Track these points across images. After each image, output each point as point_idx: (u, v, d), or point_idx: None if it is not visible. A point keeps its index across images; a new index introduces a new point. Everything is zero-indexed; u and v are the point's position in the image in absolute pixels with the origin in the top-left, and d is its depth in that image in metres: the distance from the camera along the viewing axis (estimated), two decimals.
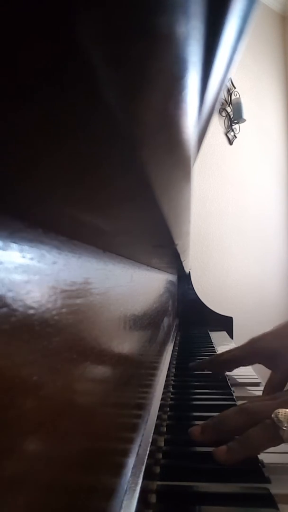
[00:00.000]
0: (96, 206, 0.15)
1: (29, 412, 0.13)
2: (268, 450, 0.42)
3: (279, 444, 0.40)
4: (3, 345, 0.12)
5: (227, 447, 0.40)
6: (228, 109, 2.17)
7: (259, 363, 0.67)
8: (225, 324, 1.44)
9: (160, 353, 0.64)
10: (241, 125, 2.23)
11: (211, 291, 2.03)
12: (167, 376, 0.65)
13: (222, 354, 0.71)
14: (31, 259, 0.14)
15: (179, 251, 0.43)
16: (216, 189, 2.15)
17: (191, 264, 1.48)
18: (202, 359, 0.92)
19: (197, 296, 1.49)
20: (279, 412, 0.39)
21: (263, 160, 2.43)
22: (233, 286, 2.20)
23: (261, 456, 0.42)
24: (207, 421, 0.45)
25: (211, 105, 0.12)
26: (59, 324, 0.16)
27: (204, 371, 0.74)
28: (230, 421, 0.43)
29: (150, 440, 0.36)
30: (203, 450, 0.44)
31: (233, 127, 2.21)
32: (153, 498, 0.36)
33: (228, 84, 2.12)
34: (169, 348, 0.86)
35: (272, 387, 0.62)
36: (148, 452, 0.34)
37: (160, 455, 0.44)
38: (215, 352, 1.00)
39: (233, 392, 0.66)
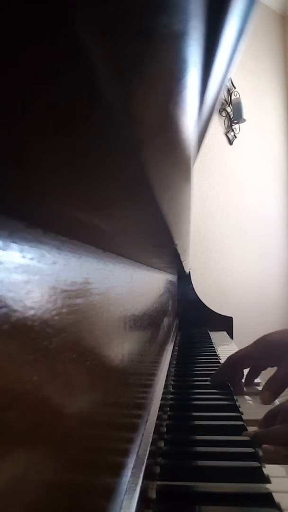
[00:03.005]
0: (96, 206, 0.15)
1: (29, 411, 0.13)
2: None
3: None
4: (3, 345, 0.12)
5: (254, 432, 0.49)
6: (228, 109, 2.17)
7: (269, 363, 0.67)
8: (225, 324, 1.44)
9: (160, 353, 0.64)
10: (241, 125, 2.23)
11: (211, 291, 2.03)
12: (167, 376, 0.65)
13: (236, 352, 0.71)
14: (31, 259, 0.14)
15: (179, 251, 0.43)
16: (216, 189, 2.15)
17: (191, 264, 1.48)
18: (202, 359, 0.93)
19: (197, 296, 1.49)
20: None
21: (263, 160, 2.43)
22: (233, 286, 2.20)
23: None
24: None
25: (211, 105, 0.12)
26: (59, 324, 0.16)
27: (224, 379, 0.71)
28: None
29: (150, 440, 0.36)
30: (202, 450, 0.45)
31: (233, 127, 2.21)
32: (153, 498, 0.36)
33: (228, 84, 2.12)
34: (169, 348, 0.85)
35: (274, 384, 0.62)
36: (148, 452, 0.34)
37: (160, 455, 0.44)
38: (215, 352, 1.00)
39: (233, 391, 0.66)
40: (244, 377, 0.70)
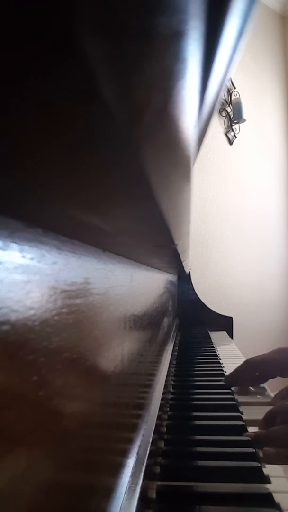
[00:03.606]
0: (96, 206, 0.15)
1: (29, 412, 0.13)
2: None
3: None
4: (3, 345, 0.12)
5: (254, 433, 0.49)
6: (228, 109, 2.17)
7: (284, 374, 0.68)
8: (225, 324, 1.44)
9: (160, 353, 0.64)
10: (241, 125, 2.23)
11: (211, 291, 2.03)
12: (167, 376, 0.65)
13: (255, 357, 0.71)
14: (31, 259, 0.14)
15: (179, 251, 0.43)
16: (216, 189, 2.15)
17: (191, 264, 1.48)
18: (202, 359, 0.93)
19: (197, 296, 1.49)
20: None
21: (263, 160, 2.43)
22: (233, 286, 2.20)
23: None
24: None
25: (211, 105, 0.12)
26: (59, 324, 0.16)
27: (240, 382, 0.70)
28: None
29: (150, 440, 0.36)
30: (202, 450, 0.45)
31: (233, 127, 2.21)
32: (153, 498, 0.36)
33: (228, 84, 2.11)
34: (169, 348, 0.85)
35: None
36: (148, 452, 0.34)
37: (160, 455, 0.44)
38: (215, 352, 1.00)
39: (233, 391, 0.66)
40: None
